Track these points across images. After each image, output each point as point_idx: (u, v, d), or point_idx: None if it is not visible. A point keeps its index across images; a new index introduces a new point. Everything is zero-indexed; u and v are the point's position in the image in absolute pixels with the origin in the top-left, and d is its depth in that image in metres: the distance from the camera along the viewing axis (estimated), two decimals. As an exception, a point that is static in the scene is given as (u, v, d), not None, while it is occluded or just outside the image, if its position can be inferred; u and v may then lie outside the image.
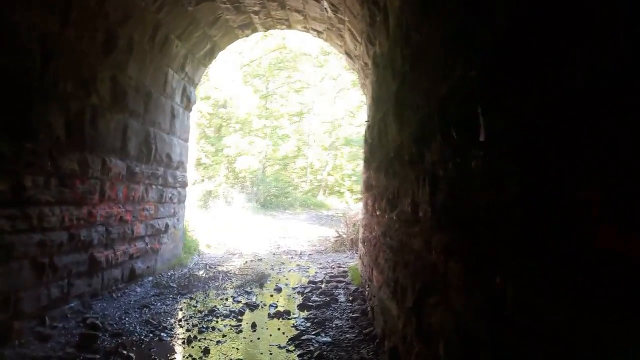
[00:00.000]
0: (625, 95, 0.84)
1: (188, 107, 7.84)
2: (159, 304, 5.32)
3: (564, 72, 1.06)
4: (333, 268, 8.13)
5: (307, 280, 7.06)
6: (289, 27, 7.84)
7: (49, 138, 4.07)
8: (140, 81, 5.85)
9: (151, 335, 4.23)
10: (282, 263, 8.85)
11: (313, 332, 4.40)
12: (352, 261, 8.50)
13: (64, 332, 4.01)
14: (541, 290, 1.14)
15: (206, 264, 8.10)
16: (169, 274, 6.92)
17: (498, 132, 1.46)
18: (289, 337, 4.28)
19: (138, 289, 5.85)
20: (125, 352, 3.70)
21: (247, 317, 4.99)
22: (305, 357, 3.78)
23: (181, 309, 5.24)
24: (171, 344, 4.09)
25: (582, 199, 0.96)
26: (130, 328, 4.35)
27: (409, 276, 2.75)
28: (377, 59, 4.67)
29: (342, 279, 6.98)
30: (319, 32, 7.53)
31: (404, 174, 3.08)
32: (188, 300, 5.60)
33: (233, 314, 4.99)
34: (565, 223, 1.03)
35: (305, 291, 6.21)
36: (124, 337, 4.06)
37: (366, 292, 5.42)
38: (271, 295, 6.06)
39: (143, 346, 3.94)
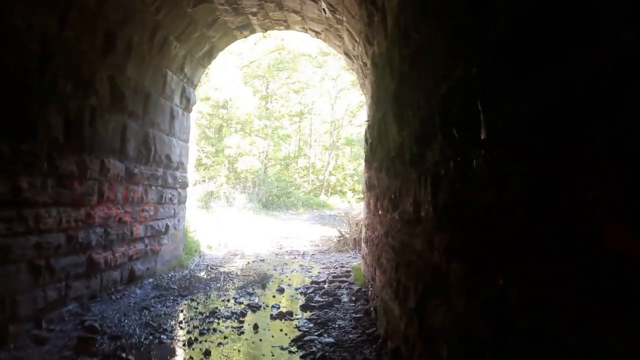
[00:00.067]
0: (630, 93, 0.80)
1: (187, 108, 7.81)
2: (159, 305, 5.28)
3: (566, 70, 1.04)
4: (336, 268, 8.09)
5: (310, 280, 7.02)
6: (287, 27, 7.81)
7: (48, 139, 4.04)
8: (139, 82, 5.82)
9: (151, 337, 4.19)
10: (285, 263, 8.81)
11: (316, 333, 4.36)
12: (355, 261, 8.46)
13: (61, 335, 3.97)
14: (544, 291, 1.11)
15: (207, 265, 8.06)
16: (170, 275, 6.88)
17: (499, 131, 1.43)
18: (292, 338, 4.24)
19: (138, 291, 5.81)
20: (124, 355, 3.66)
21: (249, 318, 4.95)
22: (308, 359, 3.74)
23: (182, 311, 5.20)
24: (171, 347, 4.05)
25: (586, 198, 0.93)
26: (130, 330, 4.31)
27: (411, 276, 2.71)
28: (376, 59, 4.64)
29: (345, 279, 6.94)
30: (317, 33, 7.49)
31: (406, 173, 3.04)
32: (189, 301, 5.56)
33: (235, 316, 4.95)
34: (569, 223, 1.01)
35: (308, 292, 6.17)
36: (123, 340, 4.02)
37: (369, 292, 5.38)
38: (273, 296, 6.01)
39: (142, 349, 3.90)
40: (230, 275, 7.23)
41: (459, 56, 1.83)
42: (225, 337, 4.28)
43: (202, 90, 17.26)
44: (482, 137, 1.52)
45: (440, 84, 2.08)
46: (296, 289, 6.43)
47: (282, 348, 4.01)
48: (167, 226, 7.10)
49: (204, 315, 4.95)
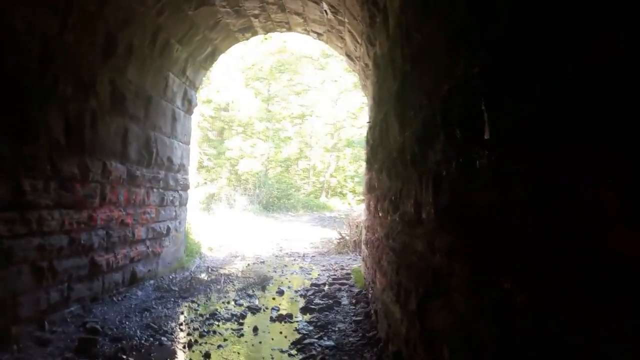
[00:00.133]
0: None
1: (189, 110, 7.82)
2: (160, 307, 5.28)
3: (567, 69, 1.03)
4: (336, 270, 8.08)
5: (310, 282, 7.01)
6: (289, 29, 7.82)
7: (49, 141, 4.05)
8: (140, 85, 5.84)
9: (151, 339, 4.18)
10: (285, 265, 8.80)
11: (316, 336, 4.35)
12: (355, 263, 8.45)
13: (64, 337, 3.98)
14: (547, 292, 1.10)
15: (208, 267, 8.06)
16: (171, 277, 6.88)
17: (503, 130, 1.42)
18: (292, 341, 4.23)
19: (139, 293, 5.82)
20: (124, 356, 3.66)
21: (249, 320, 4.95)
22: (307, 362, 3.73)
23: (182, 313, 5.19)
24: (172, 348, 4.05)
25: (595, 198, 0.92)
26: (131, 332, 4.31)
27: (412, 279, 2.70)
28: (378, 60, 4.64)
29: (345, 281, 6.93)
30: (319, 34, 7.51)
31: (407, 174, 3.04)
32: (189, 303, 5.56)
33: (235, 318, 4.95)
34: (576, 224, 0.99)
35: (308, 294, 6.16)
36: (124, 342, 4.02)
37: (369, 295, 5.37)
38: (273, 298, 6.01)
39: (143, 350, 3.90)
40: (230, 277, 7.23)
41: (460, 55, 1.82)
42: (225, 340, 4.27)
43: (204, 93, 17.29)
44: (485, 137, 1.52)
45: (442, 84, 2.08)
46: (296, 291, 6.42)
47: (281, 351, 4.00)
48: (168, 228, 7.10)
49: (204, 317, 4.94)
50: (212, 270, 7.83)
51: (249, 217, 16.75)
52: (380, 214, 4.62)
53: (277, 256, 10.08)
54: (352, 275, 7.26)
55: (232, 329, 4.60)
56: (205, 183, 17.68)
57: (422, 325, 2.35)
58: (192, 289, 6.20)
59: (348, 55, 7.15)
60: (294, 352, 3.97)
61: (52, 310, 4.17)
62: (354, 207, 18.05)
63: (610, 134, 0.87)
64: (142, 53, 5.75)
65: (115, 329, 4.35)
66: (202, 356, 3.82)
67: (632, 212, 0.80)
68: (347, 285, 6.60)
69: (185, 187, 7.94)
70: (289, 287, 6.70)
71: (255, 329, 4.57)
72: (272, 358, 3.87)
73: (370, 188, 5.90)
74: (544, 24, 1.16)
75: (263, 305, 5.58)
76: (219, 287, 6.49)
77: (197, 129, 15.45)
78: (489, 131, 1.50)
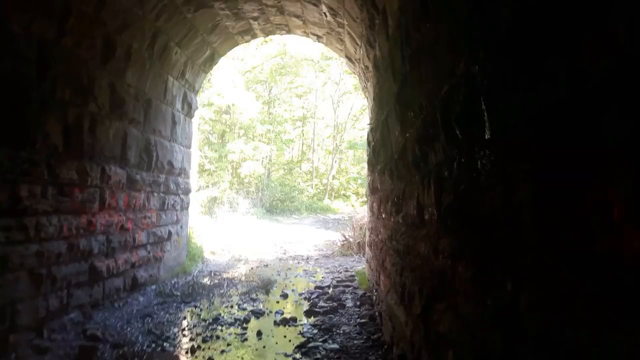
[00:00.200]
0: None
1: (189, 113, 7.80)
2: (162, 313, 5.23)
3: (575, 63, 0.98)
4: (340, 272, 8.03)
5: (314, 285, 6.96)
6: (289, 32, 7.79)
7: (47, 146, 4.01)
8: (139, 88, 5.81)
9: (153, 345, 4.14)
10: (289, 268, 8.75)
11: (320, 339, 4.30)
12: (360, 265, 8.39)
13: (63, 344, 3.93)
14: (555, 296, 1.07)
15: (211, 271, 8.02)
16: (173, 282, 6.84)
17: (505, 129, 1.37)
18: (296, 345, 4.18)
19: (141, 298, 5.77)
20: (126, 364, 3.62)
21: (253, 324, 4.90)
22: (311, 366, 3.68)
23: (185, 318, 5.15)
24: (174, 355, 4.00)
25: (604, 199, 0.88)
26: (132, 338, 4.27)
27: (416, 281, 2.65)
28: (378, 62, 4.60)
29: (349, 283, 6.88)
30: (318, 37, 7.47)
31: (409, 175, 2.99)
32: (192, 308, 5.52)
33: (238, 322, 4.90)
34: (583, 226, 0.96)
35: (312, 297, 6.10)
36: (125, 348, 3.97)
37: (374, 297, 5.32)
38: (277, 302, 5.96)
39: (145, 357, 3.85)
40: (233, 281, 7.18)
41: (460, 54, 1.78)
42: (228, 345, 4.22)
43: (205, 96, 17.30)
44: (486, 137, 1.47)
45: (442, 84, 2.04)
46: (300, 294, 6.37)
47: (286, 355, 3.95)
48: (169, 233, 7.06)
49: (207, 322, 4.89)
50: (214, 274, 7.79)
51: (252, 221, 16.73)
52: (383, 216, 4.57)
53: (280, 259, 10.04)
54: (356, 278, 7.21)
55: (235, 333, 4.56)
56: (208, 186, 17.65)
57: (426, 328, 2.30)
58: (194, 294, 6.15)
59: (348, 58, 7.12)
60: (298, 355, 3.92)
61: (51, 317, 4.12)
62: (357, 208, 17.99)
63: (617, 132, 0.83)
64: (141, 56, 5.72)
65: (116, 336, 4.31)
66: (205, 362, 3.77)
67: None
68: (352, 288, 6.55)
69: (187, 191, 7.90)
70: (293, 290, 6.65)
71: (259, 333, 4.52)
72: (276, 363, 3.82)
73: (373, 190, 5.85)
74: (544, 21, 1.12)
75: (267, 309, 5.53)
76: (222, 291, 6.44)
77: (198, 132, 15.44)
78: (490, 131, 1.45)
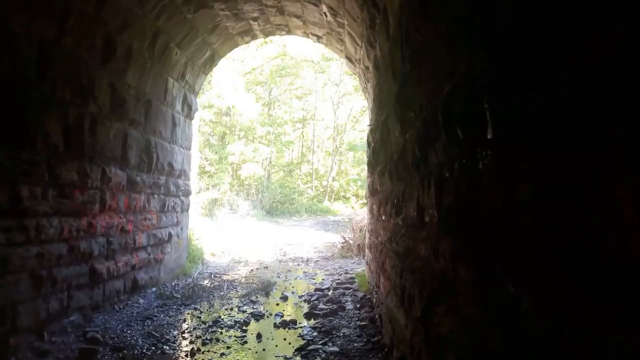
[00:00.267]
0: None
1: (189, 115, 7.79)
2: (162, 315, 5.22)
3: (577, 61, 0.97)
4: (340, 275, 8.01)
5: (314, 287, 6.94)
6: (289, 32, 7.79)
7: (47, 146, 4.01)
8: (140, 89, 5.80)
9: (153, 348, 4.13)
10: (289, 270, 8.74)
11: (320, 342, 4.29)
12: (360, 267, 8.37)
13: (63, 347, 3.92)
14: (559, 300, 1.06)
15: (211, 273, 8.00)
16: (173, 284, 6.83)
17: (507, 128, 1.36)
18: (295, 348, 4.16)
19: (141, 300, 5.76)
20: (125, 366, 3.61)
21: (253, 327, 4.89)
22: (311, 369, 3.67)
23: (185, 320, 5.14)
24: (174, 358, 3.99)
25: (611, 199, 0.86)
26: (132, 341, 4.26)
27: (416, 283, 2.64)
28: (378, 62, 4.60)
29: (349, 285, 6.86)
30: (318, 37, 7.47)
31: (409, 177, 2.98)
32: (192, 310, 5.51)
33: (238, 325, 4.89)
34: (586, 226, 0.94)
35: (312, 299, 6.09)
36: (125, 351, 3.96)
37: (374, 299, 5.30)
38: (277, 304, 5.95)
39: (145, 360, 3.84)
40: (233, 283, 7.17)
41: (462, 53, 1.77)
42: (228, 347, 4.21)
43: (205, 98, 17.30)
44: (488, 137, 1.46)
45: (443, 83, 2.03)
46: (300, 297, 6.35)
47: (285, 358, 3.94)
48: (170, 234, 7.05)
49: (207, 324, 4.88)
50: (215, 276, 7.77)
51: (252, 222, 16.71)
52: (383, 218, 4.56)
53: (280, 261, 10.03)
54: (356, 280, 7.19)
55: (235, 336, 4.54)
56: (208, 188, 17.63)
57: (426, 331, 2.29)
58: (194, 296, 6.14)
59: (348, 58, 7.12)
60: (298, 358, 3.92)
61: (52, 319, 4.11)
62: (357, 210, 17.97)
63: (618, 132, 0.82)
64: (142, 57, 5.72)
65: (116, 338, 4.30)
66: (204, 364, 3.76)
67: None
68: (351, 290, 6.53)
69: (187, 193, 7.90)
70: (292, 293, 6.64)
71: (258, 336, 4.51)
72: (275, 365, 3.80)
73: (372, 191, 5.84)
74: (549, 16, 1.11)
75: (267, 311, 5.51)
76: (222, 293, 6.43)
77: (198, 134, 15.43)
78: (492, 130, 1.44)
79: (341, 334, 4.51)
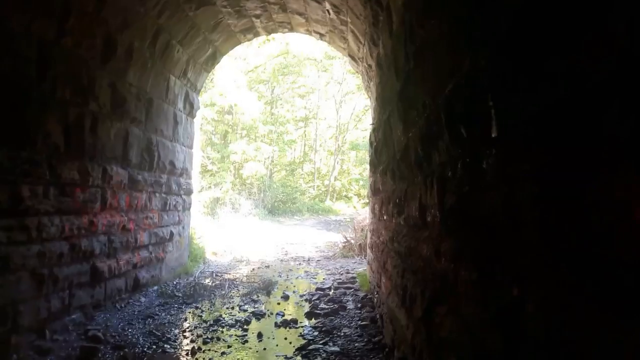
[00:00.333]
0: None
1: (191, 113, 7.78)
2: (163, 314, 5.22)
3: (582, 60, 0.96)
4: (341, 274, 8.00)
5: (315, 287, 6.93)
6: (291, 30, 7.77)
7: (47, 146, 4.00)
8: (141, 88, 5.79)
9: (154, 347, 4.12)
10: (290, 270, 8.73)
11: (321, 342, 4.27)
12: (361, 267, 8.36)
13: (65, 345, 3.92)
14: (561, 301, 1.04)
15: (212, 272, 8.00)
16: (175, 283, 6.83)
17: (512, 127, 1.34)
18: (296, 347, 4.15)
19: (142, 299, 5.76)
20: (126, 365, 3.60)
21: (254, 326, 4.88)
22: (312, 369, 3.65)
23: (186, 319, 5.13)
24: (174, 356, 3.98)
25: (611, 199, 0.85)
26: (133, 340, 4.25)
27: (417, 283, 2.62)
28: (381, 60, 4.58)
29: (350, 285, 6.85)
30: (321, 35, 7.45)
31: (411, 176, 2.96)
32: (193, 309, 5.50)
33: (239, 324, 4.88)
34: (589, 227, 0.93)
35: (313, 298, 6.08)
36: (126, 350, 3.96)
37: (375, 299, 5.28)
38: (278, 303, 5.94)
39: (145, 359, 3.84)
40: (235, 282, 7.16)
41: (466, 49, 1.74)
42: (229, 346, 4.20)
43: (207, 96, 17.30)
44: (492, 135, 1.44)
45: (446, 81, 2.00)
46: (301, 296, 6.34)
47: (286, 357, 3.92)
48: (171, 233, 7.05)
49: (208, 323, 4.88)
50: (216, 275, 7.77)
51: (254, 222, 16.71)
52: (385, 217, 4.54)
53: (282, 260, 10.02)
54: (357, 279, 7.18)
55: (236, 335, 4.54)
56: (210, 187, 17.64)
57: (428, 332, 2.27)
58: (196, 295, 6.13)
59: (351, 56, 7.09)
60: (298, 358, 3.90)
61: (53, 318, 4.11)
62: (359, 210, 17.97)
63: (624, 130, 0.81)
64: (143, 55, 5.70)
65: (117, 337, 4.30)
66: (205, 364, 3.75)
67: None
68: (353, 289, 6.52)
69: (189, 192, 7.89)
70: (294, 292, 6.62)
71: (259, 335, 4.50)
72: (276, 365, 3.79)
73: (374, 191, 5.82)
74: (549, 16, 1.10)
75: (268, 310, 5.50)
76: (223, 292, 6.43)
77: (200, 132, 15.43)
78: (497, 128, 1.42)
79: (342, 334, 4.49)
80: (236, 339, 4.41)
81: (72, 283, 4.42)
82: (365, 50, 5.69)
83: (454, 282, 1.86)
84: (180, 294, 6.13)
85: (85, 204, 4.62)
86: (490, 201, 1.49)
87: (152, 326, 4.70)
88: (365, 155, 19.56)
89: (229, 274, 7.98)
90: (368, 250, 6.99)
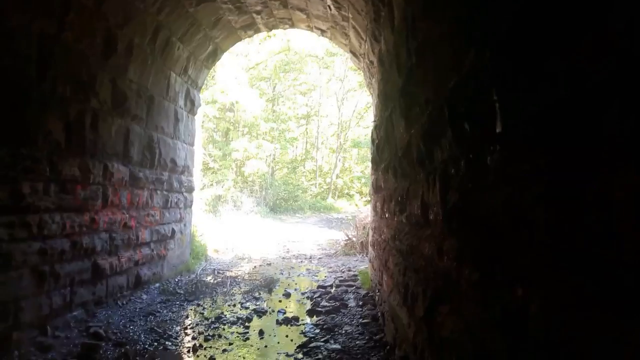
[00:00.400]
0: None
1: (192, 110, 7.76)
2: (165, 311, 5.22)
3: (582, 60, 0.94)
4: (343, 272, 7.99)
5: (317, 284, 6.92)
6: (292, 26, 7.74)
7: (48, 143, 3.99)
8: (141, 85, 5.78)
9: (156, 344, 4.12)
10: (292, 267, 8.72)
11: (322, 339, 4.26)
12: (363, 265, 8.34)
13: (66, 342, 3.92)
14: (561, 301, 1.04)
15: (214, 270, 8.00)
16: (176, 280, 6.83)
17: (518, 122, 1.31)
18: (298, 345, 4.15)
19: (144, 296, 5.76)
20: (127, 362, 3.60)
21: (255, 323, 4.87)
22: (313, 366, 3.65)
23: (187, 316, 5.13)
24: (176, 354, 3.98)
25: (611, 199, 0.85)
26: (135, 337, 4.26)
27: (419, 282, 2.60)
28: (383, 56, 4.55)
29: (352, 283, 6.84)
30: (322, 31, 7.41)
31: (413, 173, 2.93)
32: (195, 307, 5.50)
33: (240, 321, 4.88)
34: (589, 227, 0.92)
35: (315, 296, 6.07)
36: (128, 347, 3.96)
37: (376, 297, 5.27)
38: (280, 301, 5.93)
39: (147, 356, 3.84)
40: (236, 280, 7.16)
41: (470, 42, 1.72)
42: (230, 344, 4.20)
43: (209, 93, 17.27)
44: (497, 130, 1.41)
45: (449, 75, 1.98)
46: (303, 294, 6.34)
47: (287, 355, 3.92)
48: (173, 230, 7.05)
49: (210, 320, 4.88)
50: (218, 272, 7.77)
51: (256, 219, 16.71)
52: (386, 215, 4.52)
53: (284, 258, 10.02)
54: (359, 277, 7.17)
55: (237, 332, 4.53)
56: (212, 185, 17.64)
57: (429, 331, 2.25)
58: (197, 292, 6.13)
59: (353, 53, 7.05)
60: (300, 355, 3.89)
61: (55, 315, 4.11)
62: (361, 208, 17.94)
63: (624, 130, 0.81)
64: (143, 51, 5.68)
65: (119, 334, 4.30)
66: (206, 361, 3.74)
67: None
68: (354, 287, 6.51)
69: (190, 189, 7.88)
70: (295, 290, 6.62)
71: (261, 333, 4.49)
72: (278, 363, 3.78)
73: (376, 188, 5.80)
74: (549, 16, 1.08)
75: (269, 307, 5.50)
76: (225, 289, 6.43)
77: (202, 130, 15.42)
78: (502, 124, 1.39)
79: (343, 332, 4.48)
80: (238, 337, 4.41)
81: (74, 280, 4.42)
82: (366, 47, 5.66)
83: (457, 281, 1.84)
84: (181, 291, 6.13)
85: (86, 201, 4.61)
86: (494, 200, 1.47)
87: (153, 323, 4.70)
88: (367, 152, 19.53)
89: (231, 271, 7.98)
90: (370, 248, 6.98)
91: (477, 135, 1.65)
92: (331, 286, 6.68)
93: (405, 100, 3.22)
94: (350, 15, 5.71)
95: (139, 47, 5.53)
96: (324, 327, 4.65)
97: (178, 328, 4.65)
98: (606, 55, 0.86)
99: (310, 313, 5.27)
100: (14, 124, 3.60)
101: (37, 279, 3.87)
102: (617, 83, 0.83)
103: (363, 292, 6.12)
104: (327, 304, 5.54)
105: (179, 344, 4.19)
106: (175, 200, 7.13)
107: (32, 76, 3.79)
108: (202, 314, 5.21)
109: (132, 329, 4.49)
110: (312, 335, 4.40)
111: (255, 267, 8.62)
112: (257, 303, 5.72)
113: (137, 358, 3.75)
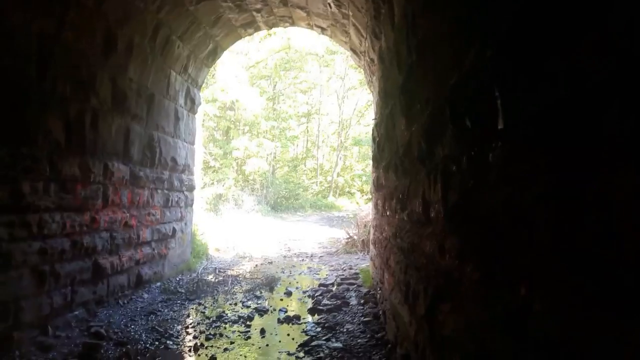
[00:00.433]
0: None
1: (192, 109, 7.75)
2: (166, 310, 5.22)
3: (582, 60, 0.94)
4: (344, 270, 7.98)
5: (318, 283, 6.92)
6: (292, 24, 7.71)
7: (48, 142, 3.99)
8: (141, 83, 5.76)
9: (157, 343, 4.12)
10: (293, 266, 8.72)
11: (323, 338, 4.26)
12: (364, 263, 8.34)
13: (67, 342, 3.92)
14: (562, 301, 1.03)
15: (215, 268, 8.00)
16: (177, 279, 6.83)
17: (518, 121, 1.30)
18: (299, 343, 4.14)
19: (145, 295, 5.76)
20: (128, 362, 3.60)
21: (256, 322, 4.87)
22: (314, 365, 3.64)
23: (189, 315, 5.13)
24: (177, 352, 3.98)
25: (611, 199, 0.85)
26: (136, 336, 4.25)
27: (420, 280, 2.59)
28: (383, 54, 4.53)
29: (353, 281, 6.83)
30: (323, 29, 7.39)
31: (414, 171, 2.92)
32: (196, 306, 5.50)
33: (242, 320, 4.87)
34: (589, 227, 0.92)
35: (316, 294, 6.07)
36: (129, 346, 3.96)
37: (378, 295, 5.26)
38: (281, 299, 5.93)
39: (148, 355, 3.84)
40: (238, 279, 7.16)
41: (472, 38, 1.70)
42: (231, 343, 4.19)
43: (209, 92, 17.25)
44: (499, 127, 1.40)
45: (450, 71, 1.96)
46: (304, 292, 6.34)
47: (289, 353, 3.91)
48: (174, 229, 7.04)
49: (211, 319, 4.88)
50: (219, 271, 7.77)
51: (257, 218, 16.71)
52: (387, 213, 4.51)
53: (285, 257, 10.01)
54: (360, 275, 7.16)
55: (239, 331, 4.53)
56: (212, 184, 17.64)
57: (431, 329, 2.24)
58: (199, 291, 6.13)
59: (353, 50, 7.03)
60: (301, 354, 3.89)
61: (56, 314, 4.11)
62: (362, 206, 17.91)
63: (624, 130, 0.81)
64: (143, 50, 5.67)
65: (120, 333, 4.30)
66: (208, 360, 3.74)
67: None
68: (356, 285, 6.50)
69: (191, 188, 7.88)
70: (297, 288, 6.62)
71: (262, 331, 4.49)
72: (279, 361, 3.78)
73: (377, 186, 5.78)
74: (549, 16, 1.07)
75: (271, 306, 5.50)
76: (226, 288, 6.42)
77: (202, 129, 15.41)
78: (503, 120, 1.38)
79: (345, 330, 4.48)
80: (239, 335, 4.41)
81: (74, 279, 4.42)
82: (367, 44, 5.64)
83: (458, 280, 1.83)
84: (183, 290, 6.13)
85: (86, 200, 4.61)
86: (495, 198, 1.45)
87: (154, 322, 4.70)
88: (368, 151, 19.50)
89: (232, 270, 7.98)
90: (371, 246, 6.97)
91: (478, 133, 1.63)
92: (332, 284, 6.68)
93: (405, 97, 3.21)
94: (350, 13, 5.69)
95: (139, 45, 5.52)
96: (326, 325, 4.65)
97: (179, 327, 4.65)
98: (606, 55, 0.86)
99: (312, 311, 5.26)
100: (14, 124, 3.60)
101: (37, 279, 3.87)
102: (617, 83, 0.83)
103: (364, 290, 6.12)
104: (329, 302, 5.53)
105: (180, 343, 4.19)
106: (176, 199, 7.12)
107: (32, 76, 3.78)
108: (204, 313, 5.20)
109: (133, 328, 4.49)
110: (314, 334, 4.40)
111: (256, 265, 8.62)
112: (259, 302, 5.72)
113: (139, 357, 3.75)
